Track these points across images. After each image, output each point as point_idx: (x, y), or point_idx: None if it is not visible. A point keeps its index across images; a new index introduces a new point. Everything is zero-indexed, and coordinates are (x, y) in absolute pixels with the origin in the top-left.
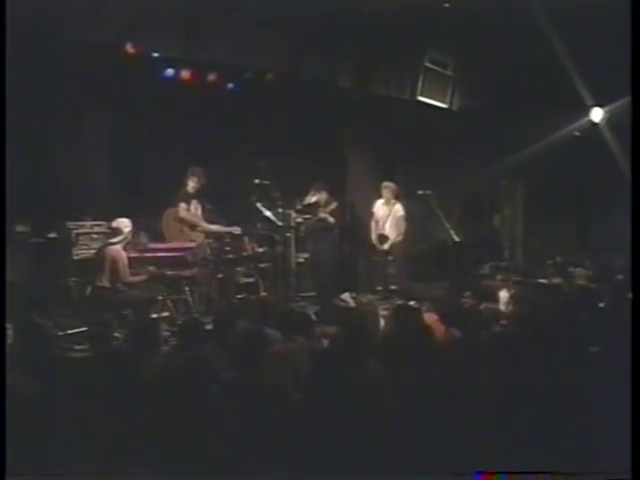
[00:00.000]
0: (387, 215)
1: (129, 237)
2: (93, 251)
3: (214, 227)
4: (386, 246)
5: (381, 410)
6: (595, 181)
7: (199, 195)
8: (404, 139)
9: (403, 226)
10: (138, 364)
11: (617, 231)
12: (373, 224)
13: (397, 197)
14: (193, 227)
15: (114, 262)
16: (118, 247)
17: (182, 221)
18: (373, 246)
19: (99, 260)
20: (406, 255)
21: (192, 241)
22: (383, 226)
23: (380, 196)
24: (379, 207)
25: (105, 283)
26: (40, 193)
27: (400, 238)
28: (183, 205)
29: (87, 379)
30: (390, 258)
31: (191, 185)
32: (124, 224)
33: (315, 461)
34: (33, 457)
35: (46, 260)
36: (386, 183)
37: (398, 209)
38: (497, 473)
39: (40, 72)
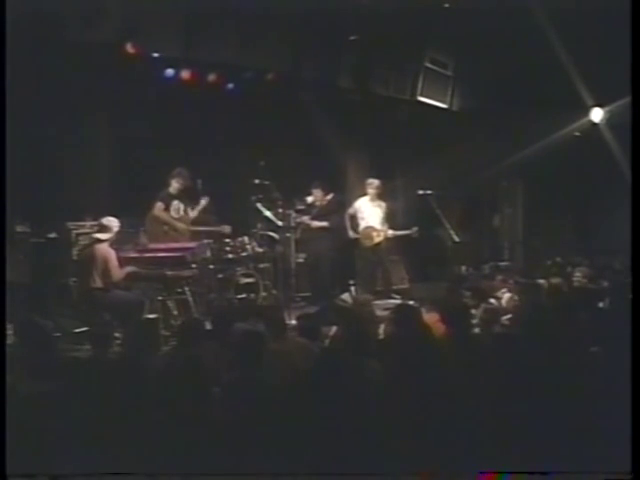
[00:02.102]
0: (373, 211)
1: (115, 236)
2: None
3: (197, 228)
4: (373, 242)
5: (381, 410)
6: (595, 181)
7: (182, 196)
8: (404, 139)
9: (388, 222)
10: (137, 364)
11: (617, 231)
12: (359, 220)
13: (381, 194)
14: (172, 227)
15: (104, 261)
16: (105, 245)
17: (157, 220)
18: (373, 245)
19: (88, 259)
20: (397, 254)
21: (175, 241)
22: (368, 222)
23: (366, 193)
24: (364, 203)
25: (98, 283)
26: (40, 193)
27: (387, 234)
28: (159, 205)
29: (87, 379)
30: (381, 257)
31: (174, 186)
32: (113, 222)
33: (315, 461)
34: (33, 457)
35: (46, 260)
36: (370, 180)
37: (382, 205)
38: (498, 473)
39: (40, 72)
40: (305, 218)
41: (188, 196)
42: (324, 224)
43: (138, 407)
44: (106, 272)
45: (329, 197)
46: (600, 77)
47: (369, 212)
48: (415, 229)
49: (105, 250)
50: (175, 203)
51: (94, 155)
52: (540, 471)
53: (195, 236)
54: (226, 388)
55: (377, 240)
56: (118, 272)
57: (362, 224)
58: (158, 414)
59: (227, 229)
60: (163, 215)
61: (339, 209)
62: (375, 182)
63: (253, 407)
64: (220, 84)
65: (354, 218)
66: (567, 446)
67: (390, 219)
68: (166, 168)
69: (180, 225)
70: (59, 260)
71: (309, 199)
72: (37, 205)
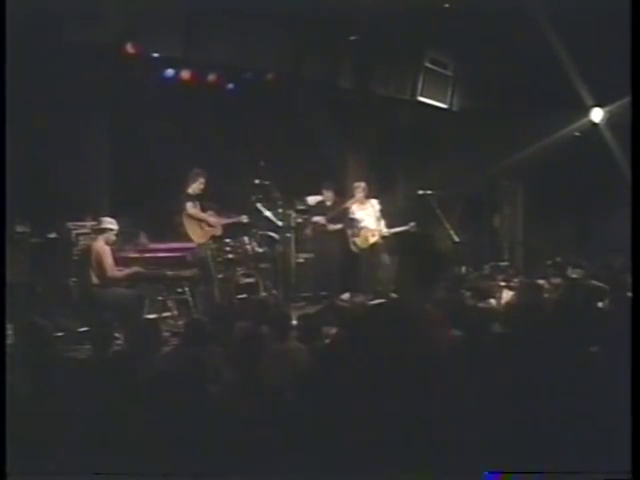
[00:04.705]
0: (365, 214)
1: (112, 235)
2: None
3: (224, 221)
4: (369, 243)
5: (381, 410)
6: (595, 181)
7: (202, 196)
8: (404, 139)
9: (382, 222)
10: (138, 365)
11: (617, 231)
12: (353, 225)
13: (369, 195)
14: (207, 223)
15: (98, 258)
16: (101, 242)
17: (192, 218)
18: (371, 246)
19: (85, 257)
20: (396, 253)
21: (213, 236)
22: (364, 225)
23: (355, 196)
24: (355, 208)
25: (94, 280)
26: (40, 193)
27: (384, 234)
28: (190, 204)
29: (87, 379)
30: (379, 257)
31: (195, 186)
32: (108, 221)
33: (314, 461)
34: (33, 457)
35: (46, 260)
36: (357, 184)
37: (374, 206)
38: (498, 473)
39: (40, 72)
40: (320, 219)
41: (209, 194)
42: (339, 227)
43: (138, 407)
44: (101, 269)
45: (337, 198)
46: (600, 77)
47: (361, 214)
48: (412, 224)
49: (99, 247)
50: (198, 203)
51: (94, 155)
52: (540, 471)
53: (226, 229)
54: (226, 388)
55: (372, 240)
56: (113, 269)
57: (356, 227)
58: (158, 414)
59: (245, 219)
60: (197, 212)
61: (345, 210)
62: (362, 185)
63: (253, 407)
64: (220, 84)
65: (349, 221)
66: (567, 446)
67: (384, 219)
68: (165, 168)
69: (213, 220)
70: (59, 260)
71: (312, 199)
72: (37, 205)
